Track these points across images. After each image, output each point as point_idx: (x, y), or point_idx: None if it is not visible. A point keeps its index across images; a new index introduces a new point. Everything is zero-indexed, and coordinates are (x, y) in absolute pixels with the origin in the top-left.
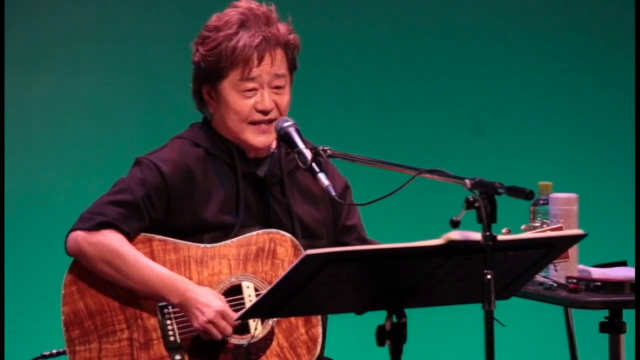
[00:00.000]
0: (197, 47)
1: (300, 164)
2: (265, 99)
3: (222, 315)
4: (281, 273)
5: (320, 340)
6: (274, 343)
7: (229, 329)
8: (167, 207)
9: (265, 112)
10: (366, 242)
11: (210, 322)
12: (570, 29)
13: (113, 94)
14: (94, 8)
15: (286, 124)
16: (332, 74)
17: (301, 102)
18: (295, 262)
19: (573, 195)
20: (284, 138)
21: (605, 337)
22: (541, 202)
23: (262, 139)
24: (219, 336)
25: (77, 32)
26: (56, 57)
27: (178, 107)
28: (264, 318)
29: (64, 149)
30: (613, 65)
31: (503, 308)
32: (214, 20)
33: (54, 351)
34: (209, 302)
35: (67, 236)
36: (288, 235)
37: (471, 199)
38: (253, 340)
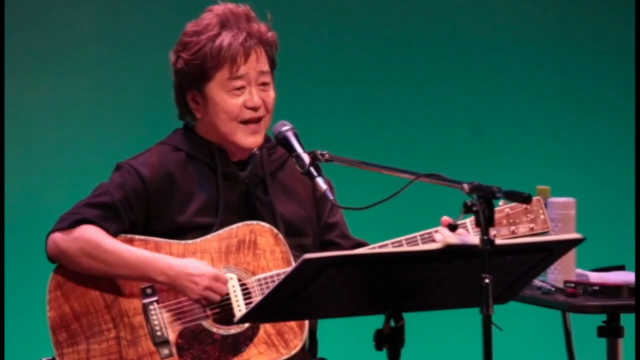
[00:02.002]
0: (177, 54)
1: (299, 168)
2: (254, 95)
3: (216, 278)
4: (263, 263)
5: (307, 324)
6: (261, 331)
7: (225, 289)
8: (147, 211)
9: (255, 109)
10: (348, 238)
11: (207, 288)
12: (569, 31)
13: (111, 97)
14: (93, 11)
15: (284, 128)
16: (329, 77)
17: (299, 106)
18: (294, 265)
19: (571, 199)
20: (282, 142)
21: (603, 341)
22: None
23: (252, 139)
24: (217, 299)
25: (76, 36)
26: (55, 60)
27: (176, 110)
28: (262, 322)
29: (63, 151)
30: (613, 69)
31: (501, 312)
32: (191, 26)
33: (44, 359)
34: (200, 271)
35: (46, 240)
36: (267, 225)
37: (469, 203)
38: (240, 330)
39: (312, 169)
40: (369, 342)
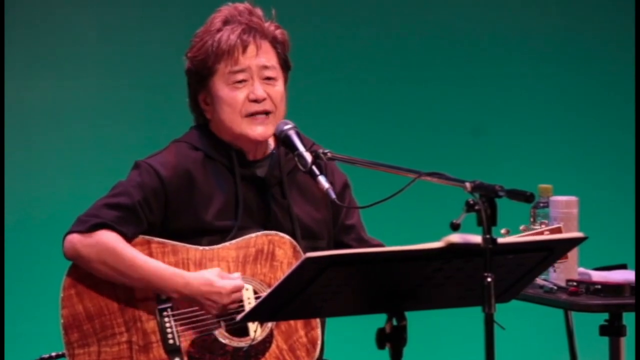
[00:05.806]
0: (186, 56)
1: (300, 167)
2: (257, 88)
3: (233, 291)
4: (280, 275)
5: (319, 342)
6: (273, 345)
7: (241, 296)
8: (165, 211)
9: (257, 101)
10: (364, 241)
11: (225, 305)
12: (570, 31)
13: (113, 97)
14: (94, 10)
15: (286, 127)
16: (330, 77)
17: (300, 105)
18: (295, 265)
19: (573, 198)
20: (284, 141)
21: (605, 340)
22: (541, 204)
23: (260, 130)
24: (236, 307)
25: (77, 35)
26: (56, 59)
27: (178, 109)
28: (264, 321)
29: (64, 151)
30: (613, 68)
31: (503, 311)
32: (199, 29)
33: (53, 354)
34: (216, 288)
35: (63, 239)
36: (287, 237)
37: (471, 202)
38: (252, 343)
39: (314, 167)
40: (371, 341)
